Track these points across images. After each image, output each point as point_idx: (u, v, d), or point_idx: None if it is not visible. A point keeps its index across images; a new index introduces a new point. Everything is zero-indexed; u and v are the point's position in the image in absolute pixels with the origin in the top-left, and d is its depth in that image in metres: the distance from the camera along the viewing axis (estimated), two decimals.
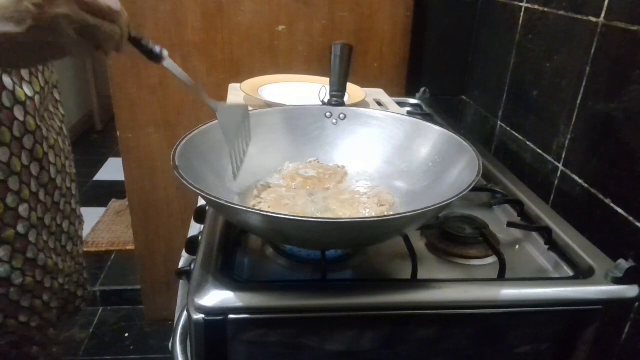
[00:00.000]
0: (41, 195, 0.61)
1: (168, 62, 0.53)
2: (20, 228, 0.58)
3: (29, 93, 0.60)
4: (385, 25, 1.28)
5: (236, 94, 1.04)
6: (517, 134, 1.06)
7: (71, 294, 0.73)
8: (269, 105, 0.93)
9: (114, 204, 2.36)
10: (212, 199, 0.48)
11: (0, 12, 0.38)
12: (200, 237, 0.66)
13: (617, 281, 0.58)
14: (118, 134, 1.34)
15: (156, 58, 0.52)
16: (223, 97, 1.05)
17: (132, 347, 1.61)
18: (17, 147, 0.57)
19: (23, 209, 0.58)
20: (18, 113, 0.57)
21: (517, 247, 0.72)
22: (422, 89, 1.26)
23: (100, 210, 2.28)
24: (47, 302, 0.65)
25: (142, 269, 1.55)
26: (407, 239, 0.62)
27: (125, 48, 0.48)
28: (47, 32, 0.40)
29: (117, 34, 0.45)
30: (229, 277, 0.55)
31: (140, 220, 1.47)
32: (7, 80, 0.56)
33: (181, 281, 0.69)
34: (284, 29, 1.26)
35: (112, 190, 2.46)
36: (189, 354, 0.56)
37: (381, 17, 1.27)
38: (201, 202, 0.74)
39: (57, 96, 0.70)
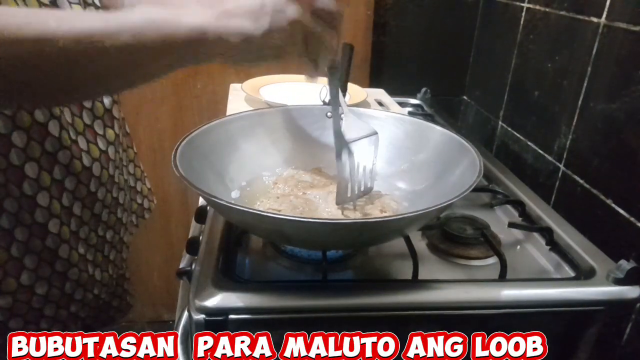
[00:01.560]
0: (76, 209, 0.59)
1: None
2: (49, 242, 0.56)
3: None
4: (345, 24, 1.25)
5: (237, 94, 1.04)
6: (518, 135, 1.06)
7: (105, 304, 0.70)
8: (269, 105, 0.93)
9: None
10: (213, 199, 0.48)
11: (243, 11, 0.42)
12: (200, 237, 0.65)
13: (619, 282, 0.58)
14: None
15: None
16: (224, 97, 1.05)
17: None
18: (48, 162, 0.54)
19: (52, 224, 0.56)
20: (53, 128, 0.54)
21: (518, 247, 0.72)
22: (423, 89, 1.26)
23: None
24: (75, 313, 0.63)
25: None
26: (408, 240, 0.62)
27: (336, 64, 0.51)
28: (279, 35, 0.43)
29: (334, 43, 0.47)
30: (229, 277, 0.55)
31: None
32: None
33: (181, 281, 0.69)
34: None
35: None
36: (190, 354, 0.56)
37: None
38: (202, 202, 0.74)
39: (115, 114, 0.65)
